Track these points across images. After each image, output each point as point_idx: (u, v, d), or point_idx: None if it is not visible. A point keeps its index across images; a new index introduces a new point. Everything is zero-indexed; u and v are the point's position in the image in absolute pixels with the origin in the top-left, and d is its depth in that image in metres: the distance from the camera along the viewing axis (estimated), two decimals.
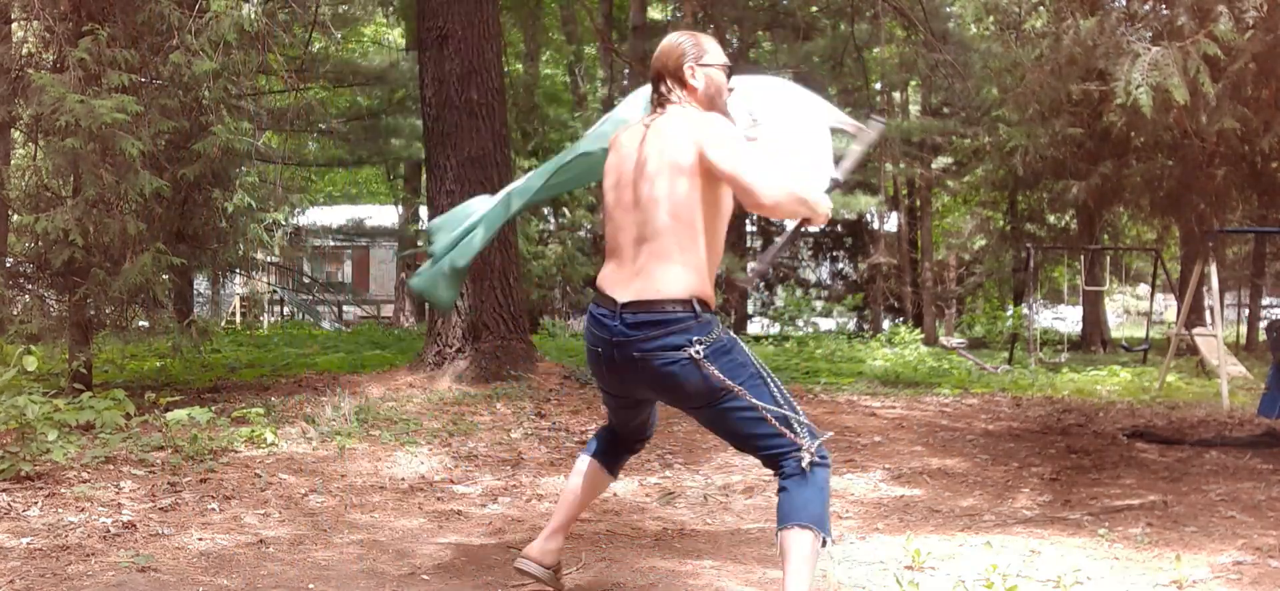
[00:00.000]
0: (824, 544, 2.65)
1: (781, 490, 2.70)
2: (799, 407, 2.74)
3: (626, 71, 18.16)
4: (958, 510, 4.49)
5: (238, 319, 20.32)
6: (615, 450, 3.17)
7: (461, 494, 4.73)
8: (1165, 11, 6.66)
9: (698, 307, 2.74)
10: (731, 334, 2.82)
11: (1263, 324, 16.45)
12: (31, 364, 4.98)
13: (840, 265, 24.88)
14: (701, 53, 2.94)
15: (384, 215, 26.47)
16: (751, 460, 5.77)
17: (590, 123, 16.77)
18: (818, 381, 9.41)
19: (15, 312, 6.61)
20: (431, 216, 8.41)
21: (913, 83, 21.80)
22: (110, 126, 5.86)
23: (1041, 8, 8.09)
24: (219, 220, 6.97)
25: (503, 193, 3.74)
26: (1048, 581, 3.27)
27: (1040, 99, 8.80)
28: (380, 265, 31.84)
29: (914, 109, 22.53)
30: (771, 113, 3.61)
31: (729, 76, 2.98)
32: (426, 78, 8.24)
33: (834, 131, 3.63)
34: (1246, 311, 18.55)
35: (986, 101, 16.02)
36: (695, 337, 2.72)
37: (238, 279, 15.59)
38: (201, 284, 17.47)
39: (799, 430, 2.69)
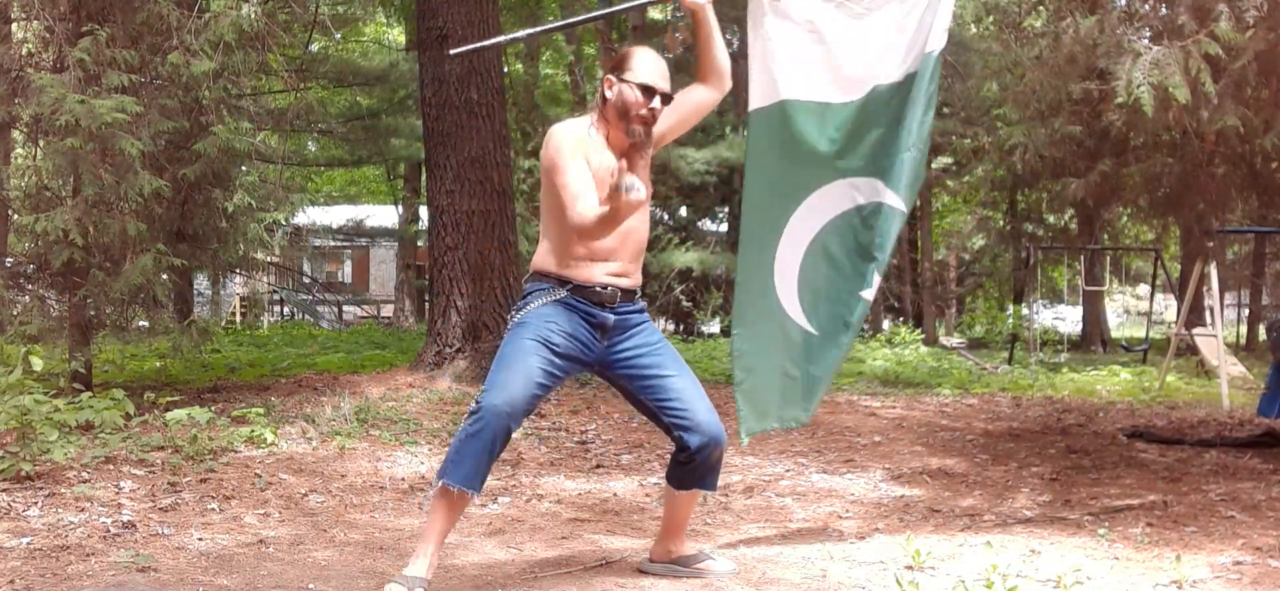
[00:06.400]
0: (451, 490, 2.95)
1: None
2: (510, 384, 2.93)
3: None
4: (958, 510, 4.49)
5: (238, 319, 20.33)
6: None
7: None
8: (1165, 11, 6.66)
9: (526, 282, 3.16)
10: (534, 313, 3.05)
11: (1263, 324, 16.44)
12: (38, 364, 4.97)
13: None
14: (622, 68, 3.11)
15: (384, 215, 26.47)
16: (751, 460, 5.78)
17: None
18: None
19: (15, 313, 6.61)
20: (432, 216, 8.40)
21: None
22: (110, 126, 5.86)
23: (1041, 7, 8.09)
24: (219, 220, 6.97)
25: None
26: (1048, 581, 3.27)
27: (1040, 97, 8.80)
28: (380, 265, 31.87)
29: None
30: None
31: (652, 97, 3.06)
32: (426, 78, 8.24)
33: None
34: (1246, 311, 18.55)
35: (986, 101, 16.01)
36: (516, 305, 3.14)
37: (238, 279, 15.62)
38: (201, 284, 17.50)
39: (480, 396, 2.96)
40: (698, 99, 3.31)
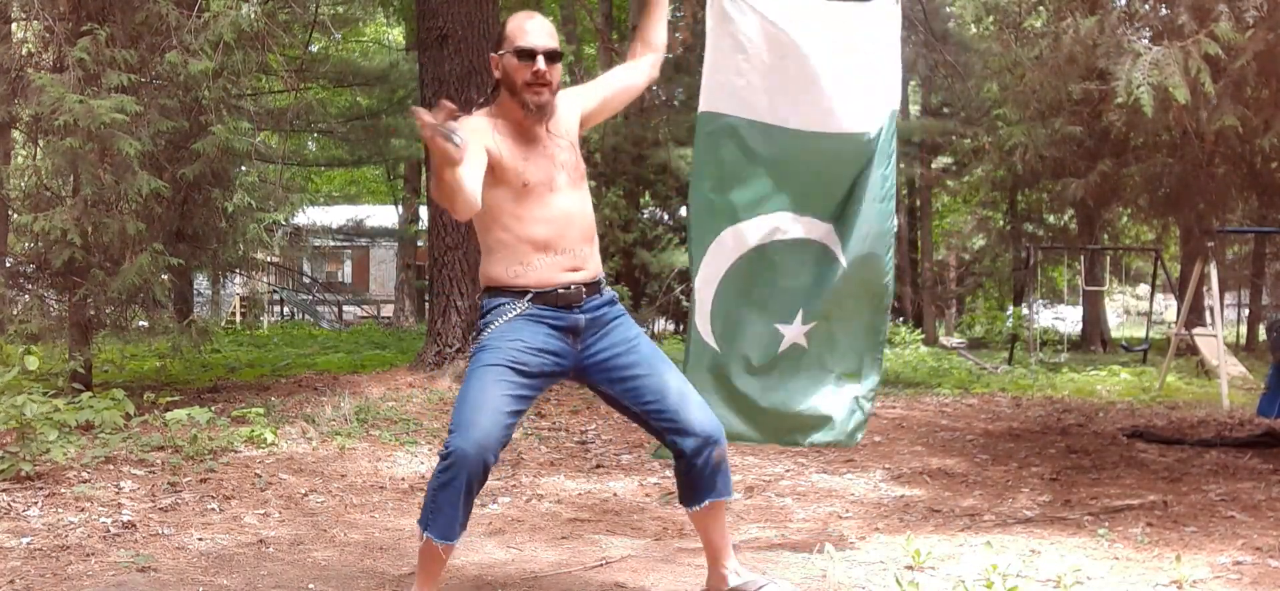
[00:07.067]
0: (426, 539, 2.72)
1: None
2: (477, 422, 2.65)
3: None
4: (958, 510, 4.49)
5: (238, 319, 20.33)
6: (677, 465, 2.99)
7: None
8: (1165, 11, 6.66)
9: (482, 298, 2.90)
10: (498, 334, 2.78)
11: (1263, 324, 16.45)
12: (33, 363, 4.98)
13: None
14: (500, 44, 2.87)
15: (384, 215, 26.47)
16: (751, 460, 5.78)
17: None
18: None
19: (15, 312, 6.61)
20: (432, 216, 8.40)
21: (913, 82, 21.80)
22: (109, 126, 5.86)
23: (1041, 7, 8.09)
24: (219, 220, 6.98)
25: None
26: (1048, 581, 3.27)
27: (1040, 97, 8.80)
28: (380, 265, 31.87)
29: (914, 109, 22.53)
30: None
31: (533, 58, 2.79)
32: (426, 78, 8.24)
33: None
34: (1246, 311, 18.55)
35: (986, 101, 16.02)
36: (478, 326, 2.88)
37: (237, 279, 15.62)
38: (201, 284, 17.49)
39: (448, 438, 2.69)
40: (629, 78, 3.15)
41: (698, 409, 2.87)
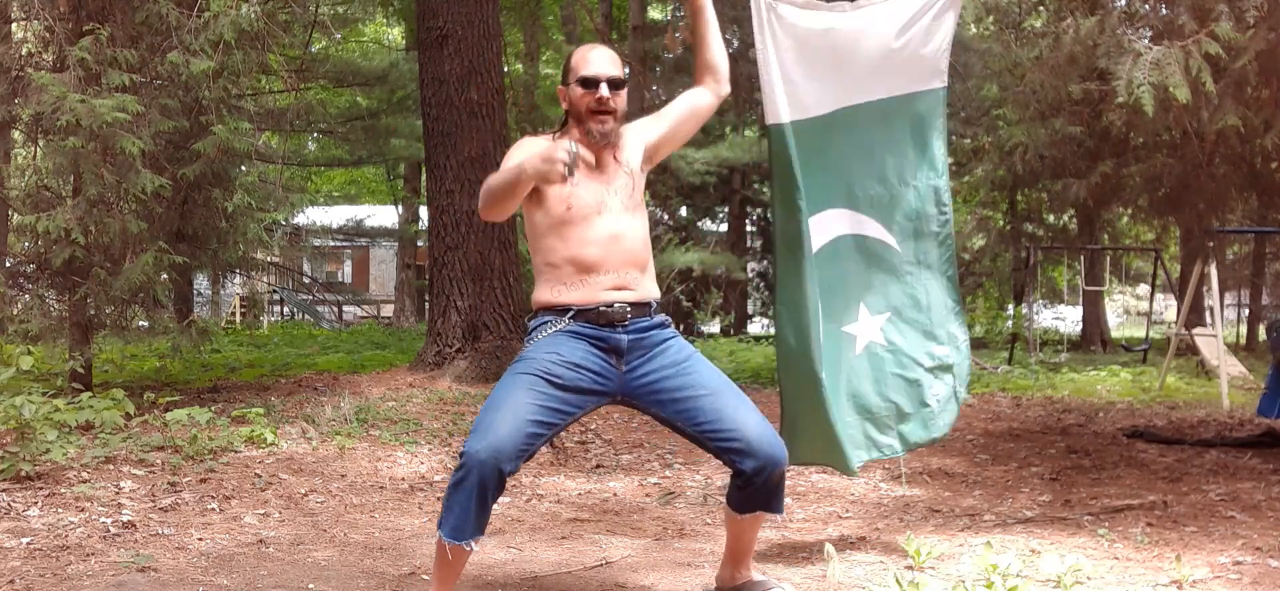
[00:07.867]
0: (438, 537, 2.71)
1: None
2: (495, 426, 2.63)
3: (626, 71, 18.13)
4: (958, 510, 4.49)
5: (238, 319, 20.33)
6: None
7: None
8: (1165, 11, 6.67)
9: (529, 318, 2.95)
10: (536, 347, 2.81)
11: (1263, 324, 16.45)
12: (27, 363, 4.98)
13: None
14: (566, 76, 2.95)
15: (384, 215, 26.47)
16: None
17: None
18: None
19: (15, 312, 6.62)
20: (432, 216, 8.40)
21: None
22: (111, 126, 5.86)
23: (1041, 7, 8.09)
24: (219, 220, 6.98)
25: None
26: (1048, 581, 3.27)
27: (1040, 97, 8.80)
28: (380, 265, 31.88)
29: None
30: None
31: (596, 87, 2.87)
32: (426, 78, 8.25)
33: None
34: (1246, 311, 18.55)
35: (986, 101, 16.01)
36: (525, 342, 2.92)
37: (237, 279, 15.62)
38: (201, 284, 17.51)
39: (465, 441, 2.68)
40: (694, 102, 3.14)
41: (757, 429, 2.78)
